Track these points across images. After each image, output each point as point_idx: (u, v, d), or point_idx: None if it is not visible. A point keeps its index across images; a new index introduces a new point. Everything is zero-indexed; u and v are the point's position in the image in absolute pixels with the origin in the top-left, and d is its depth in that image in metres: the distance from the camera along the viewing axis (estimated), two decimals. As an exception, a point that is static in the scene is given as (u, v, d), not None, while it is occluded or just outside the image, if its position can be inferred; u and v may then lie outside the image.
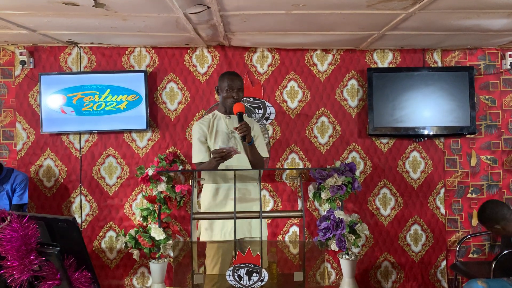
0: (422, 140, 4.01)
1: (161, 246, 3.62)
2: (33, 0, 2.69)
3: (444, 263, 3.99)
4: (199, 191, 3.97)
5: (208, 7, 2.79)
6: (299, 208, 3.90)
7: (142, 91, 3.86)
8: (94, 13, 2.92)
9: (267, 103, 3.95)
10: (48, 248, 1.65)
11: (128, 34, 3.53)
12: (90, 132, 3.94)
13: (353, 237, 3.61)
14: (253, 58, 4.00)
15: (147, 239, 3.57)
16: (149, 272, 3.88)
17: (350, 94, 4.03)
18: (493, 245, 4.00)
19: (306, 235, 3.92)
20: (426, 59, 4.03)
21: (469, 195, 4.03)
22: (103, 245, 3.96)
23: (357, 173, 3.95)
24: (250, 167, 2.75)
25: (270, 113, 3.95)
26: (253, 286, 2.02)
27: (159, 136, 3.98)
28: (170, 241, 3.67)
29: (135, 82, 3.86)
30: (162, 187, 3.69)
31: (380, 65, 4.02)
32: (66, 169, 3.95)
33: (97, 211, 3.95)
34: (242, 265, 2.03)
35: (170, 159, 3.82)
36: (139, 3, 2.74)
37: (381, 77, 3.90)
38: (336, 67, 4.03)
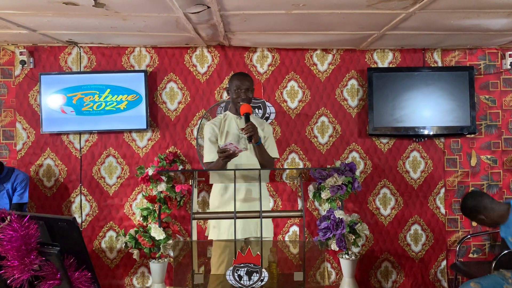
0: (422, 140, 4.01)
1: (161, 246, 3.62)
2: (33, 0, 2.70)
3: (444, 263, 3.99)
4: (205, 190, 3.98)
5: (208, 7, 2.79)
6: (299, 208, 3.90)
7: (142, 91, 3.86)
8: (94, 13, 2.92)
9: (267, 103, 3.95)
10: (48, 248, 1.65)
11: (128, 34, 3.52)
12: (90, 132, 3.94)
13: (353, 237, 3.61)
14: (253, 58, 4.00)
15: (147, 239, 3.57)
16: (149, 272, 3.88)
17: (350, 94, 4.03)
18: (493, 245, 4.00)
19: (306, 235, 3.92)
20: (426, 59, 4.03)
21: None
22: (103, 245, 3.96)
23: (357, 173, 3.95)
24: (259, 167, 2.74)
25: (270, 113, 3.95)
26: (253, 286, 2.02)
27: (159, 136, 3.98)
28: (170, 241, 3.67)
29: (135, 82, 3.86)
30: (162, 187, 3.69)
31: (380, 65, 4.02)
32: (66, 169, 3.95)
33: (97, 211, 3.95)
34: (242, 264, 2.03)
35: (170, 159, 3.82)
36: (139, 3, 2.74)
37: (381, 77, 3.90)
38: (336, 67, 4.03)
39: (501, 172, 4.04)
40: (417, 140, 4.01)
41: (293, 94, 4.01)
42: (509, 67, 3.96)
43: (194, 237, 3.89)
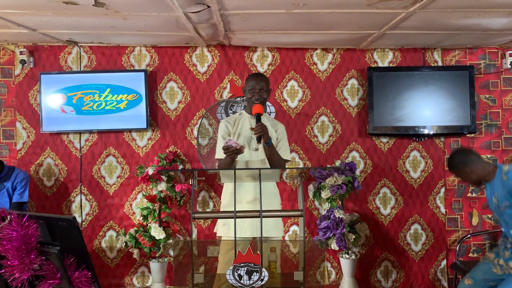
0: (422, 139, 4.01)
1: (161, 246, 3.63)
2: (33, -1, 2.70)
3: (444, 262, 4.00)
4: (205, 190, 3.98)
5: (208, 6, 2.79)
6: (299, 208, 3.89)
7: (142, 91, 3.86)
8: (94, 12, 2.92)
9: (267, 103, 3.95)
10: (48, 248, 1.65)
11: (128, 33, 3.52)
12: (90, 132, 3.94)
13: (353, 236, 3.61)
14: (253, 57, 4.00)
15: (147, 239, 3.57)
16: (149, 271, 3.88)
17: (350, 93, 4.03)
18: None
19: (306, 234, 3.92)
20: (426, 58, 4.03)
21: (469, 195, 4.03)
22: (103, 245, 3.96)
23: (357, 172, 3.95)
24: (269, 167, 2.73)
25: (270, 112, 3.95)
26: (253, 285, 2.02)
27: (159, 136, 3.98)
28: (170, 241, 3.67)
29: (135, 81, 3.86)
30: (162, 186, 3.69)
31: (380, 64, 4.02)
32: (66, 168, 3.95)
33: (97, 211, 3.95)
34: (242, 264, 2.03)
35: (170, 158, 3.82)
36: (139, 2, 2.74)
37: (381, 76, 3.90)
38: (336, 66, 4.02)
39: (501, 172, 4.04)
40: (417, 139, 4.01)
41: (293, 94, 4.01)
42: (509, 66, 3.96)
43: (194, 236, 3.90)
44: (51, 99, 3.84)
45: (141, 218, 3.73)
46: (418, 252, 4.01)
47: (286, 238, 4.01)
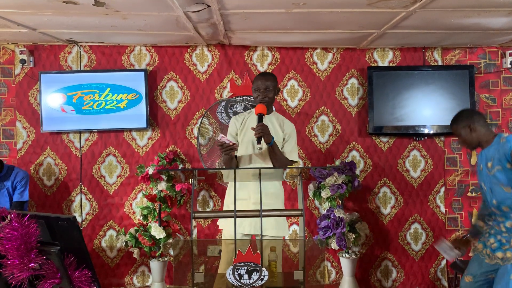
0: (422, 138, 4.01)
1: (161, 245, 3.63)
2: (33, -2, 2.70)
3: (444, 261, 4.00)
4: (205, 189, 3.98)
5: (208, 6, 2.79)
6: (299, 207, 3.90)
7: (142, 90, 3.86)
8: (94, 12, 2.92)
9: (267, 102, 3.94)
10: (48, 247, 1.65)
11: (128, 32, 3.52)
12: (90, 131, 3.94)
13: (353, 236, 3.61)
14: (253, 56, 4.00)
15: (147, 238, 3.57)
16: (149, 270, 3.88)
17: (350, 92, 4.03)
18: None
19: (306, 234, 3.92)
20: (426, 58, 4.03)
21: (469, 194, 4.03)
22: (103, 244, 3.96)
23: (357, 171, 3.94)
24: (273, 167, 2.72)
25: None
26: (253, 284, 2.02)
27: (159, 135, 3.98)
28: (170, 240, 3.68)
29: (135, 80, 3.86)
30: (162, 186, 3.69)
31: (380, 64, 4.02)
32: (66, 168, 3.95)
33: (97, 210, 3.96)
34: (242, 263, 2.03)
35: (170, 158, 3.82)
36: (139, 1, 2.74)
37: (382, 75, 3.90)
38: (336, 65, 4.02)
39: (501, 171, 4.03)
40: (417, 139, 4.01)
41: (293, 93, 4.01)
42: (509, 66, 3.96)
43: (194, 236, 3.90)
44: (51, 98, 3.84)
45: (141, 217, 3.73)
46: (418, 251, 4.01)
47: (286, 237, 4.00)
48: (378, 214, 4.01)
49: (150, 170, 3.68)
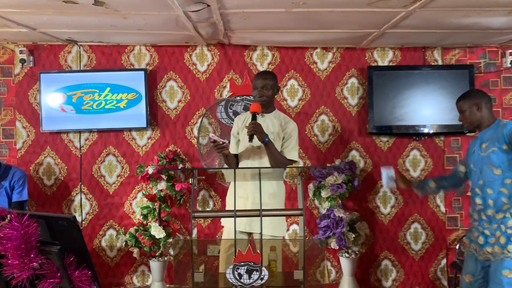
0: (422, 138, 4.01)
1: (161, 245, 3.63)
2: (32, -2, 2.70)
3: (444, 261, 4.00)
4: (205, 189, 3.98)
5: (208, 5, 2.78)
6: (299, 207, 3.90)
7: (142, 90, 3.86)
8: (94, 11, 2.92)
9: (267, 102, 3.94)
10: (48, 247, 1.65)
11: (128, 32, 3.52)
12: (90, 131, 3.94)
13: (353, 236, 3.61)
14: (253, 56, 4.00)
15: (147, 238, 3.57)
16: (149, 270, 3.88)
17: (350, 92, 4.03)
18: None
19: (306, 234, 3.92)
20: (426, 57, 4.02)
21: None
22: (103, 244, 3.96)
23: (357, 171, 3.94)
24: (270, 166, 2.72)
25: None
26: (253, 284, 2.02)
27: (159, 135, 3.98)
28: (170, 240, 3.68)
29: (135, 80, 3.86)
30: (162, 185, 3.69)
31: (380, 63, 4.02)
32: (66, 167, 3.95)
33: (97, 210, 3.96)
34: (242, 263, 2.03)
35: (170, 157, 3.82)
36: (138, 1, 2.73)
37: (381, 75, 3.90)
38: (336, 65, 4.02)
39: (501, 171, 4.03)
40: (417, 138, 4.01)
41: (293, 93, 4.01)
42: (509, 65, 3.96)
43: (194, 235, 3.90)
44: (51, 98, 3.84)
45: (141, 217, 3.73)
46: (418, 251, 4.01)
47: (286, 237, 4.01)
48: (378, 213, 4.01)
49: (150, 170, 3.68)
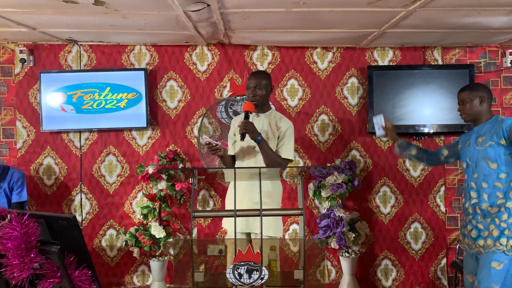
0: (423, 138, 4.01)
1: (161, 244, 3.63)
2: (32, -2, 2.70)
3: (444, 261, 4.00)
4: (205, 189, 3.98)
5: (208, 5, 2.78)
6: (299, 206, 3.90)
7: (142, 89, 3.86)
8: (94, 11, 2.92)
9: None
10: (49, 246, 1.65)
11: (128, 32, 3.52)
12: (90, 130, 3.94)
13: (353, 235, 3.62)
14: (253, 56, 4.00)
15: (147, 237, 3.58)
16: (150, 270, 3.88)
17: (351, 92, 4.02)
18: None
19: (306, 233, 3.92)
20: (426, 57, 4.02)
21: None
22: (103, 243, 3.96)
23: (357, 171, 3.94)
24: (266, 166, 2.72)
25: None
26: (253, 284, 2.02)
27: (159, 134, 3.98)
28: (170, 239, 3.68)
29: (135, 80, 3.86)
30: (162, 185, 3.70)
31: (380, 63, 4.02)
32: (66, 167, 3.95)
33: (98, 209, 3.96)
34: (242, 262, 2.03)
35: (170, 157, 3.82)
36: (139, 1, 2.74)
37: (382, 75, 3.90)
38: (336, 65, 4.02)
39: (501, 170, 4.03)
40: (417, 138, 4.01)
41: (293, 92, 4.01)
42: (509, 65, 3.96)
43: (194, 235, 3.90)
44: (51, 98, 3.84)
45: (141, 217, 3.73)
46: (418, 250, 4.01)
47: (286, 236, 4.01)
48: (378, 213, 4.01)
49: (150, 170, 3.68)
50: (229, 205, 2.88)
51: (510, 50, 3.96)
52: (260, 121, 2.79)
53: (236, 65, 3.97)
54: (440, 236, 4.00)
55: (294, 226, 3.99)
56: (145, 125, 3.86)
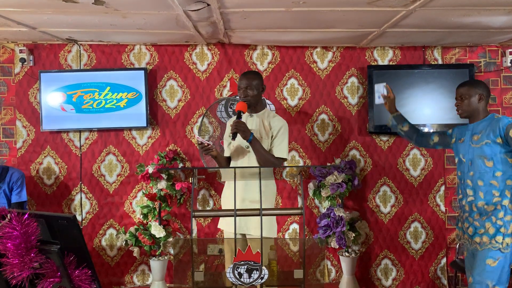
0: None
1: (161, 244, 3.63)
2: (32, -3, 2.69)
3: (444, 260, 4.00)
4: (205, 188, 3.98)
5: (208, 4, 2.78)
6: (299, 206, 3.90)
7: (142, 89, 3.86)
8: (94, 11, 2.92)
9: (267, 101, 3.95)
10: (49, 246, 1.65)
11: (128, 31, 3.52)
12: (90, 130, 3.94)
13: (353, 235, 3.62)
14: (253, 55, 4.00)
15: (147, 237, 3.58)
16: (150, 269, 3.88)
17: (350, 91, 4.02)
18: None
19: (306, 233, 3.93)
20: (426, 57, 4.02)
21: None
22: (103, 243, 3.96)
23: (357, 170, 3.95)
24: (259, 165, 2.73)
25: (270, 110, 3.95)
26: (253, 283, 2.02)
27: (159, 134, 3.98)
28: (170, 239, 3.68)
29: (135, 79, 3.86)
30: (162, 184, 3.70)
31: (380, 63, 4.02)
32: (66, 166, 3.95)
33: (97, 209, 3.96)
34: (242, 262, 2.03)
35: (170, 156, 3.82)
36: (138, 0, 2.73)
37: (381, 74, 3.90)
38: (336, 64, 4.02)
39: (501, 170, 4.03)
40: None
41: (293, 92, 4.01)
42: (509, 64, 3.96)
43: (194, 234, 3.90)
44: (51, 97, 3.84)
45: (141, 216, 3.73)
46: (418, 250, 4.01)
47: (286, 236, 4.01)
48: (378, 213, 4.01)
49: (150, 169, 3.68)
50: (223, 205, 2.90)
51: (510, 50, 3.96)
52: (253, 121, 2.80)
53: (236, 65, 3.97)
54: (440, 235, 4.00)
55: (294, 225, 3.99)
56: (145, 125, 3.86)
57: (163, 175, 3.70)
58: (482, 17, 3.12)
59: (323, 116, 4.02)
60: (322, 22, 3.24)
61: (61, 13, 3.00)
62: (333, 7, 2.87)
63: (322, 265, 3.97)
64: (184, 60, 3.99)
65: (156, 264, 3.66)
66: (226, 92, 3.97)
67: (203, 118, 3.92)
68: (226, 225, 2.83)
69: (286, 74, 4.00)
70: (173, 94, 3.98)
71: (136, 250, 3.69)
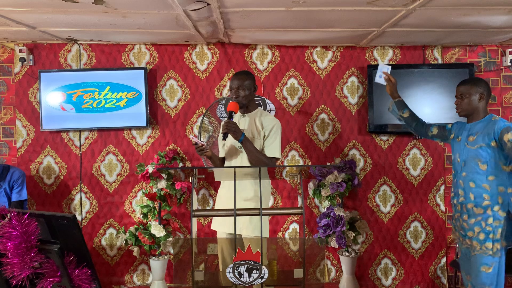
0: (422, 137, 4.00)
1: (161, 243, 3.63)
2: (32, -3, 2.69)
3: (444, 260, 4.00)
4: (205, 188, 3.98)
5: (208, 4, 2.78)
6: (299, 205, 3.90)
7: (142, 88, 3.86)
8: (94, 10, 2.92)
9: (267, 100, 3.94)
10: (48, 245, 1.65)
11: (127, 31, 3.52)
12: (90, 129, 3.94)
13: (353, 234, 3.62)
14: (253, 55, 3.99)
15: (147, 236, 3.58)
16: (150, 269, 3.88)
17: (350, 91, 4.02)
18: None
19: (306, 232, 3.93)
20: (426, 56, 4.02)
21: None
22: (103, 242, 3.96)
23: (357, 170, 3.95)
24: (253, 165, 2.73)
25: (270, 110, 3.95)
26: (253, 283, 2.02)
27: (159, 133, 3.98)
28: (170, 238, 3.68)
29: (135, 79, 3.86)
30: (162, 184, 3.70)
31: (380, 62, 4.02)
32: (66, 166, 3.95)
33: (97, 208, 3.96)
34: (242, 262, 2.03)
35: (170, 156, 3.82)
36: (138, 0, 2.73)
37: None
38: (336, 64, 4.02)
39: (501, 169, 4.03)
40: (417, 137, 4.01)
41: (293, 91, 4.01)
42: (509, 64, 3.96)
43: (194, 234, 3.90)
44: (51, 97, 3.84)
45: (141, 216, 3.73)
46: (418, 249, 4.01)
47: (286, 235, 4.01)
48: (378, 212, 4.01)
49: (150, 169, 3.68)
50: (217, 205, 2.93)
51: (510, 49, 3.96)
52: (245, 121, 2.81)
53: (236, 64, 3.97)
54: (440, 235, 4.01)
55: (294, 225, 3.99)
56: (145, 124, 3.86)
57: (163, 175, 3.70)
58: (482, 17, 3.12)
59: (323, 115, 4.02)
60: (322, 21, 3.23)
61: (61, 12, 3.00)
62: (333, 6, 2.87)
63: (322, 264, 3.98)
64: (184, 60, 3.98)
65: (156, 264, 3.66)
66: (226, 92, 3.97)
67: (203, 118, 3.92)
68: (218, 225, 2.84)
69: (286, 74, 4.00)
70: (173, 93, 3.98)
71: (136, 250, 3.69)
